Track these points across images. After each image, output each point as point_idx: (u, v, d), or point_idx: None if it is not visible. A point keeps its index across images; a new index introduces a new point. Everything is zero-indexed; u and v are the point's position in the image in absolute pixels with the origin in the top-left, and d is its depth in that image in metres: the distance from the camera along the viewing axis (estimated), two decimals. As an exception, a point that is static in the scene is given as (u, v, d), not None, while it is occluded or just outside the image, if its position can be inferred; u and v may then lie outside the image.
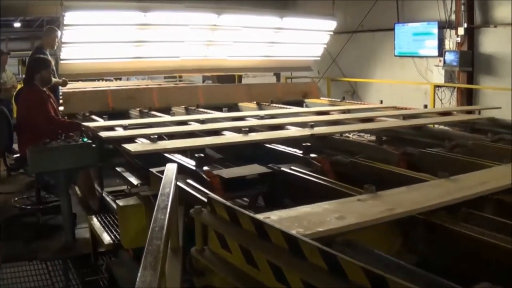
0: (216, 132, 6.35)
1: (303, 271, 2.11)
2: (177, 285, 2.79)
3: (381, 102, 9.56)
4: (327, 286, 1.98)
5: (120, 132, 6.47)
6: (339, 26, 13.48)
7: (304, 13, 14.36)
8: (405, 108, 8.92)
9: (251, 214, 2.56)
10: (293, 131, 6.24)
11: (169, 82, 16.50)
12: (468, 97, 14.51)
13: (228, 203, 2.72)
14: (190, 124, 7.04)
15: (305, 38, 13.10)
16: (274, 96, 10.92)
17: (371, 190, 3.23)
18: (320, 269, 2.07)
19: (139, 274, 1.96)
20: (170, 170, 3.66)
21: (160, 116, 8.34)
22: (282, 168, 4.35)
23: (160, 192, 3.03)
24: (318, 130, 6.14)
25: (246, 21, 11.51)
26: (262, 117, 7.56)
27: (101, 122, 7.70)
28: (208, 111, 8.92)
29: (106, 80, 15.58)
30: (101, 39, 10.14)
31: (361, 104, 10.41)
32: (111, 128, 6.75)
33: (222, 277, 2.59)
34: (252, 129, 6.35)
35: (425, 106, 9.56)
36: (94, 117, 8.59)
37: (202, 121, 7.19)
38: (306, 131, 6.03)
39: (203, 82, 17.04)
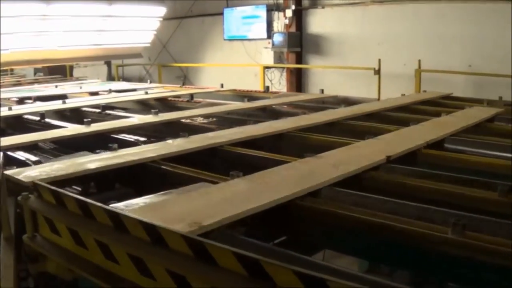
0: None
1: (127, 245, 2.17)
2: (10, 274, 2.73)
3: (222, 85, 9.64)
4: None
5: None
6: (168, 12, 13.48)
7: (132, -1, 14.21)
8: (247, 91, 9.13)
9: (77, 196, 2.53)
10: (136, 119, 6.02)
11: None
12: (297, 76, 14.96)
13: (53, 187, 2.66)
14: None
15: (134, 25, 13.00)
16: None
17: (237, 175, 3.22)
18: (144, 242, 2.16)
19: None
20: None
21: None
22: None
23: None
24: (164, 116, 6.01)
25: (75, 9, 11.20)
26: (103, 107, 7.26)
27: None
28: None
29: None
30: None
31: (203, 88, 10.42)
32: None
33: (55, 262, 2.57)
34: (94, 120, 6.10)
35: (267, 88, 9.73)
36: None
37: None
38: (151, 118, 5.89)
39: (35, 74, 16.38)
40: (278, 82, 15.22)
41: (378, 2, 13.40)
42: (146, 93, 8.51)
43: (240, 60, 15.90)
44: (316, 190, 3.06)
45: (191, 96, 8.05)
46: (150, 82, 11.83)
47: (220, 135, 4.65)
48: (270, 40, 15.08)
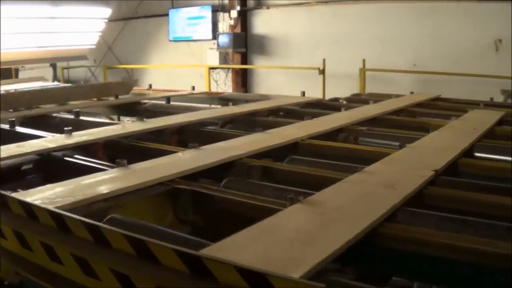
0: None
1: (71, 246, 2.19)
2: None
3: (193, 88, 9.57)
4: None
5: None
6: (114, 13, 13.41)
7: (78, 0, 14.08)
8: (217, 92, 9.36)
9: (20, 198, 2.54)
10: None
11: None
12: (242, 77, 15.09)
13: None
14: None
15: (79, 26, 12.88)
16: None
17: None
18: (87, 242, 2.19)
19: None
20: None
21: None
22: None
23: None
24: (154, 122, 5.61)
25: (19, 11, 11.06)
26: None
27: None
28: None
29: None
30: None
31: (176, 91, 10.15)
32: None
33: (2, 265, 2.56)
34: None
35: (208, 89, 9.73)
36: None
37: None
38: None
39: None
40: (224, 83, 15.28)
41: (323, 2, 13.57)
42: (117, 97, 8.27)
43: (185, 61, 15.89)
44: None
45: (168, 99, 7.73)
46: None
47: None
48: (215, 41, 15.12)
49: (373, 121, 5.68)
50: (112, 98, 8.06)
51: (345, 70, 12.58)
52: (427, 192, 3.11)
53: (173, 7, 16.45)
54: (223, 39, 14.79)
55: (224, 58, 15.16)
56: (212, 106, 7.76)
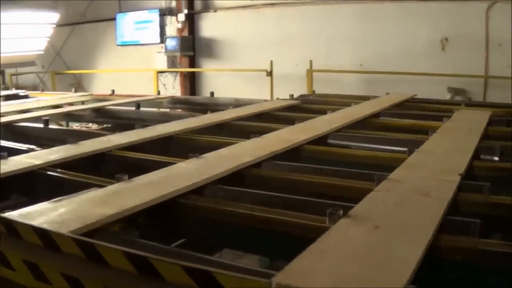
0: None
1: (21, 251, 2.22)
2: None
3: (159, 92, 9.55)
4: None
5: None
6: (61, 18, 13.32)
7: (24, 6, 13.95)
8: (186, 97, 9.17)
9: None
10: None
11: None
12: (191, 80, 15.13)
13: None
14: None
15: (27, 32, 12.77)
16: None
17: (123, 179, 3.21)
18: (37, 247, 2.20)
19: None
20: None
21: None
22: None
23: None
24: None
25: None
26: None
27: None
28: None
29: None
30: None
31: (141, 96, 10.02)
32: None
33: None
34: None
35: (156, 92, 9.71)
36: None
37: None
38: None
39: None
40: (172, 87, 15.28)
41: (270, 5, 13.67)
42: (83, 103, 8.14)
43: (134, 65, 15.81)
44: (200, 187, 3.14)
45: (138, 105, 7.35)
46: (43, 91, 11.59)
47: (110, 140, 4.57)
48: (163, 45, 15.12)
49: (363, 124, 5.65)
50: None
51: (292, 71, 12.76)
52: (462, 198, 3.02)
53: (120, 11, 16.36)
54: (171, 43, 14.80)
55: (172, 62, 15.15)
56: (187, 112, 7.42)
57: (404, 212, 2.61)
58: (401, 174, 3.30)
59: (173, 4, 15.18)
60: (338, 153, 4.32)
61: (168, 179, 3.24)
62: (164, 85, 15.07)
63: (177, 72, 15.20)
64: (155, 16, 15.44)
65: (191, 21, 14.96)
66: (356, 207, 2.63)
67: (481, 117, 5.60)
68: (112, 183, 3.17)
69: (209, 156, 3.88)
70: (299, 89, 10.18)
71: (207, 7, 14.82)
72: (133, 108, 7.25)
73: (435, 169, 3.44)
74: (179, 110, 7.83)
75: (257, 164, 3.75)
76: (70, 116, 7.62)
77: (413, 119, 5.94)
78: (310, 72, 11.88)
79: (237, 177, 3.50)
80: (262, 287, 1.73)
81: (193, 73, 15.17)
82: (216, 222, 2.88)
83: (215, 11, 14.63)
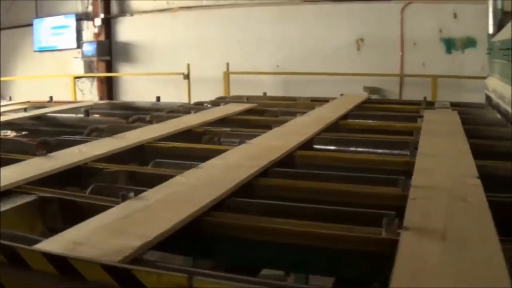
0: None
1: None
2: None
3: (10, 98, 9.37)
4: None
5: None
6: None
7: None
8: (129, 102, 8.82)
9: None
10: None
11: None
12: (108, 85, 15.05)
13: None
14: None
15: None
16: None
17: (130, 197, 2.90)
18: None
19: None
20: None
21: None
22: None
23: None
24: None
25: None
26: None
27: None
28: None
29: None
30: None
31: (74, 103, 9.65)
32: None
33: None
34: None
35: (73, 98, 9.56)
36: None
37: None
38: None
39: None
40: (89, 92, 15.16)
41: (186, 8, 13.74)
42: (25, 110, 7.90)
43: (51, 71, 15.59)
44: (220, 202, 2.83)
45: (87, 112, 7.03)
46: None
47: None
48: (80, 50, 14.99)
49: (336, 127, 5.51)
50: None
51: (210, 74, 12.83)
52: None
53: (37, 17, 16.11)
54: (88, 48, 14.69)
55: (89, 67, 15.04)
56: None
57: (457, 219, 2.51)
58: (422, 179, 3.16)
59: (90, 8, 15.05)
60: (337, 157, 4.12)
61: (181, 195, 2.92)
62: (81, 90, 14.95)
63: (94, 77, 15.08)
64: (71, 21, 15.27)
65: (108, 26, 14.86)
66: (406, 218, 2.46)
67: (452, 118, 5.68)
68: (99, 199, 2.96)
69: (207, 166, 3.55)
70: (217, 92, 10.31)
71: (123, 11, 14.76)
72: (81, 115, 7.06)
73: (450, 172, 3.35)
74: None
75: (264, 173, 3.50)
76: (10, 126, 7.04)
77: (386, 121, 5.92)
78: (227, 74, 12.02)
79: (248, 189, 3.25)
80: (179, 282, 1.76)
81: (110, 78, 15.08)
82: (250, 240, 2.54)
83: (131, 15, 14.59)
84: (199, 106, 7.55)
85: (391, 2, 12.04)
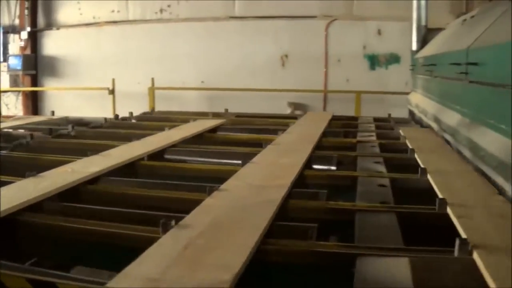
0: None
1: None
2: None
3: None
4: None
5: None
6: None
7: None
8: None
9: None
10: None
11: None
12: (33, 100, 14.87)
13: None
14: None
15: None
16: None
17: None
18: None
19: None
20: None
21: None
22: None
23: None
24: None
25: None
26: None
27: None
28: None
29: None
30: None
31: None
32: None
33: None
34: None
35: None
36: None
37: None
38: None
39: None
40: (15, 106, 14.98)
41: (112, 23, 13.77)
42: None
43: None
44: (37, 203, 2.99)
45: (50, 130, 6.63)
46: None
47: None
48: (5, 63, 14.76)
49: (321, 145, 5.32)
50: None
51: (135, 89, 12.92)
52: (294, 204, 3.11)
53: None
54: (13, 61, 14.45)
55: (14, 81, 14.82)
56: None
57: (231, 218, 2.66)
58: (452, 195, 3.10)
59: (17, 21, 14.88)
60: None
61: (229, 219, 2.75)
62: (7, 105, 14.78)
63: (19, 91, 14.95)
64: (-2, 33, 15.10)
65: (34, 39, 14.70)
66: (187, 217, 2.63)
67: (427, 135, 5.66)
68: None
69: (230, 188, 3.33)
70: (142, 107, 10.32)
71: (50, 25, 14.62)
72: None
73: (474, 188, 3.34)
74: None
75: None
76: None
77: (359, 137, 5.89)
78: (152, 89, 12.12)
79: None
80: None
81: (36, 92, 14.92)
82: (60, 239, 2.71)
83: (58, 28, 14.47)
84: (126, 122, 7.58)
85: (316, 19, 12.34)
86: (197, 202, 2.93)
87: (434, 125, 5.82)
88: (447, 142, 5.00)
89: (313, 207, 3.10)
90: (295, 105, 12.27)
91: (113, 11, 13.87)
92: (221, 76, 12.67)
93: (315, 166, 4.42)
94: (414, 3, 9.37)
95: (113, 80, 12.01)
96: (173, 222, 2.50)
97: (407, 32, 9.78)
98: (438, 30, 8.61)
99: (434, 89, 6.40)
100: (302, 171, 3.91)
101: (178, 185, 3.58)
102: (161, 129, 6.14)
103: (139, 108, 9.38)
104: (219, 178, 3.60)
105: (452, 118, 4.88)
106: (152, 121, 7.43)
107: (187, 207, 2.87)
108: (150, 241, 2.30)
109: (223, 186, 3.29)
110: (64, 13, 14.36)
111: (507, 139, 3.07)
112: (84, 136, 6.09)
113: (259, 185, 3.33)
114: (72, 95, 13.72)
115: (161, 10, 13.44)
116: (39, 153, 4.83)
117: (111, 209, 3.01)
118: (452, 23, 8.19)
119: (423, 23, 9.33)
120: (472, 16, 6.33)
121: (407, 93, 9.08)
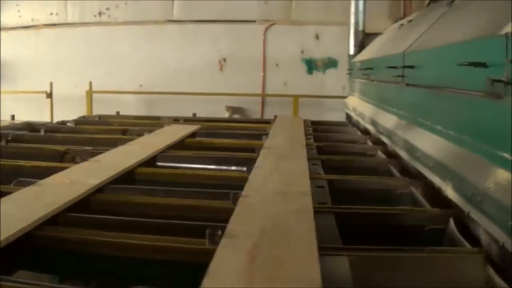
0: None
1: None
2: None
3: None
4: None
5: None
6: None
7: None
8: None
9: None
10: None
11: None
12: (-33, 104, 14.48)
13: None
14: None
15: None
16: None
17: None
18: None
19: None
20: None
21: None
22: None
23: None
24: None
25: None
26: None
27: None
28: None
29: None
30: None
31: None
32: None
33: None
34: None
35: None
36: None
37: None
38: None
39: None
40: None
41: (50, 25, 13.58)
42: None
43: None
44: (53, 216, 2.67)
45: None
46: None
47: None
48: None
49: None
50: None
51: (73, 92, 12.73)
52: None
53: None
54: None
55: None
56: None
57: (278, 226, 2.46)
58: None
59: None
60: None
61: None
62: None
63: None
64: None
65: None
66: (229, 227, 2.39)
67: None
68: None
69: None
70: (79, 111, 10.24)
71: (-10, 27, 14.41)
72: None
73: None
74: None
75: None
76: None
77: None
78: (89, 93, 12.01)
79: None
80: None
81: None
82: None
83: (-4, 31, 14.28)
84: (63, 126, 7.43)
85: (254, 24, 12.42)
86: (221, 210, 2.83)
87: (371, 127, 5.90)
88: (384, 144, 5.07)
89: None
90: (233, 109, 12.34)
91: (52, 13, 13.67)
92: (160, 79, 12.62)
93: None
94: (352, 8, 9.52)
95: (51, 84, 11.86)
96: (219, 232, 2.28)
97: (345, 36, 9.95)
98: (376, 34, 8.76)
99: (371, 92, 6.51)
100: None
101: (199, 192, 3.33)
102: (124, 133, 6.06)
103: (76, 111, 9.30)
104: (226, 184, 3.57)
105: (389, 120, 4.97)
106: (92, 125, 7.22)
107: (211, 215, 2.79)
108: (198, 253, 2.23)
109: (244, 193, 3.06)
110: (4, 16, 14.08)
111: (443, 139, 3.15)
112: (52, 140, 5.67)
113: (282, 191, 3.14)
114: (9, 99, 13.41)
115: (100, 13, 13.31)
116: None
117: (137, 220, 2.76)
118: (390, 27, 8.35)
119: (360, 27, 9.51)
120: (410, 21, 6.46)
121: (344, 97, 9.21)
